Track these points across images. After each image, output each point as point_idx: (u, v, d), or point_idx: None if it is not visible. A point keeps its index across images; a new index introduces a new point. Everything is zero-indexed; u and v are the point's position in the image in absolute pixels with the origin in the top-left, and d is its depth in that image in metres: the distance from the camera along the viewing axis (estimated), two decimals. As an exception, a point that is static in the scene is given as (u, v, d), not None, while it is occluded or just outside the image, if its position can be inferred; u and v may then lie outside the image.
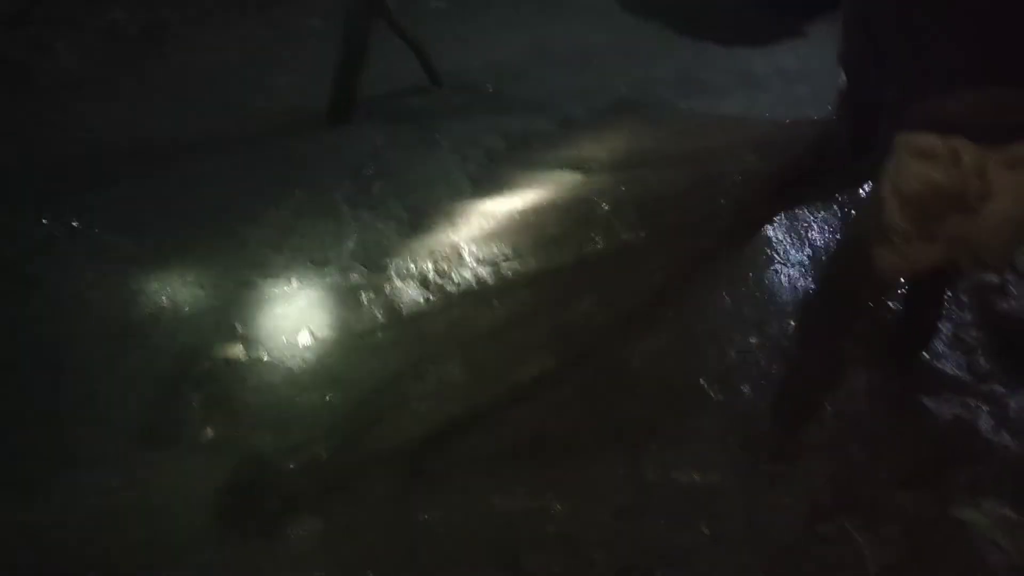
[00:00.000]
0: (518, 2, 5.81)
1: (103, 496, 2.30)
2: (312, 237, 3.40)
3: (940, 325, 2.62)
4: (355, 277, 3.15)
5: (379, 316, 2.93)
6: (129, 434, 2.50)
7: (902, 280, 2.37)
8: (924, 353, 2.62)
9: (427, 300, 3.00)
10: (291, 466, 2.39)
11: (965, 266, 2.02)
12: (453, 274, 3.11)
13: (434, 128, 4.28)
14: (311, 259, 3.27)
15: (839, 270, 2.18)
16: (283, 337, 2.85)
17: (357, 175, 3.86)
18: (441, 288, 3.04)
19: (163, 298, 3.05)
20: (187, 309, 3.00)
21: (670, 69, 4.90)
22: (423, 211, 3.57)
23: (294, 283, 3.13)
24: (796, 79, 4.70)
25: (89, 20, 5.15)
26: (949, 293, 2.67)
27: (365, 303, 2.99)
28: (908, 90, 1.82)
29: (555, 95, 4.61)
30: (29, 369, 2.74)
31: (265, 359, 2.76)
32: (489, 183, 3.80)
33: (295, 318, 2.95)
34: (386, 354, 2.78)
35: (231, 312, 2.98)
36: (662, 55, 5.11)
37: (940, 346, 2.65)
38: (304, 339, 2.84)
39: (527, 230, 3.35)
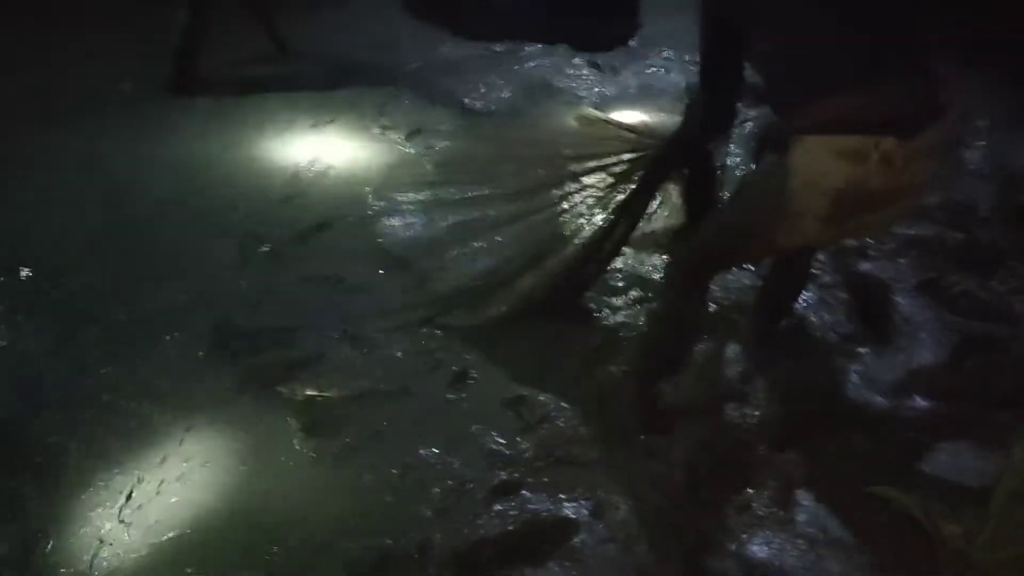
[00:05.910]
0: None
1: None
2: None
3: (805, 289, 2.64)
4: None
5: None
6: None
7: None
8: (790, 317, 2.63)
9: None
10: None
11: (853, 239, 2.05)
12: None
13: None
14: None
15: (716, 240, 2.14)
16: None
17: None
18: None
19: None
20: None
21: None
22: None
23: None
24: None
25: None
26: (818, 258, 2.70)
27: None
28: (808, 94, 1.80)
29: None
30: None
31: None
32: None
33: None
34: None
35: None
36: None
37: (805, 309, 2.68)
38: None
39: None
